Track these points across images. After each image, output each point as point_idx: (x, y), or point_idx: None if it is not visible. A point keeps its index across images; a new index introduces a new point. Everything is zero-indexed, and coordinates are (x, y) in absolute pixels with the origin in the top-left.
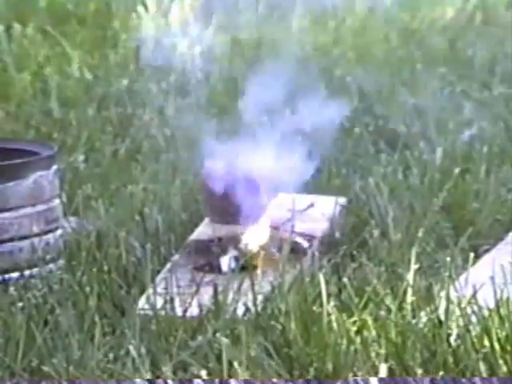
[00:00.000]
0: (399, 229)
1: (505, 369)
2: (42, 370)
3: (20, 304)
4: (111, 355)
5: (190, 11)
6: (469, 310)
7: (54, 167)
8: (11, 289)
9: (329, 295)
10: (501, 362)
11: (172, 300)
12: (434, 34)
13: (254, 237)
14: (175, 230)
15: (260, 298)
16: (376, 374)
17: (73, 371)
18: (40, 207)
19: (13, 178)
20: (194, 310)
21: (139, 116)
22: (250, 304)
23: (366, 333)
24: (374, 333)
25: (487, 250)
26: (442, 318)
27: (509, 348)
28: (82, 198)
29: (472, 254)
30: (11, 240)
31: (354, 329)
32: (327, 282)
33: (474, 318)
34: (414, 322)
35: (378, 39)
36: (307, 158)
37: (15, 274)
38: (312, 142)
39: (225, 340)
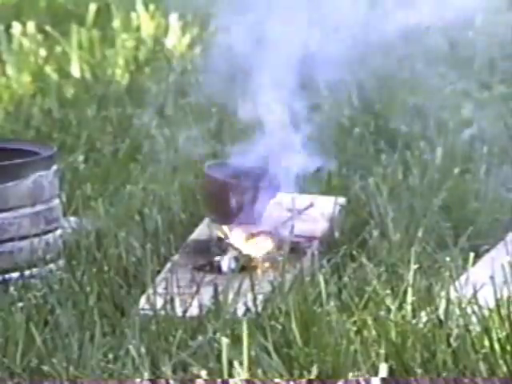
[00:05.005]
0: (399, 229)
1: (505, 369)
2: (42, 369)
3: (20, 304)
4: (111, 355)
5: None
6: (469, 310)
7: (54, 167)
8: (11, 289)
9: (329, 295)
10: (501, 362)
11: (172, 300)
12: (434, 34)
13: (253, 238)
14: (175, 230)
15: (260, 298)
16: (376, 374)
17: (73, 371)
18: (40, 207)
19: (13, 178)
20: (193, 310)
21: (139, 116)
22: (250, 304)
23: (366, 333)
24: (374, 333)
25: (487, 250)
26: (442, 317)
27: (509, 348)
28: (81, 198)
29: (472, 254)
30: (11, 240)
31: (354, 329)
32: (327, 282)
33: (474, 318)
34: (414, 321)
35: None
36: (308, 158)
37: (15, 274)
38: (312, 141)
39: (225, 340)
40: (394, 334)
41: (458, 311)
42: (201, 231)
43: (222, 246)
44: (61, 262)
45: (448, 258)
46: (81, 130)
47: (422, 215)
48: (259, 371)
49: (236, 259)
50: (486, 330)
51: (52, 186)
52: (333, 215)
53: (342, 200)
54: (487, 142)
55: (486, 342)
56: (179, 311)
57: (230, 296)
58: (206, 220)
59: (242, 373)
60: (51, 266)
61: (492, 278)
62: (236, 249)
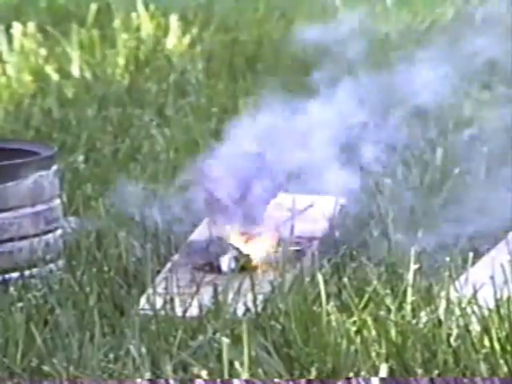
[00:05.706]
0: (399, 229)
1: (505, 369)
2: (42, 369)
3: (20, 304)
4: (111, 355)
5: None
6: (469, 310)
7: (54, 167)
8: (11, 289)
9: (329, 295)
10: (501, 361)
11: (172, 300)
12: (434, 34)
13: (253, 238)
14: (175, 230)
15: (260, 298)
16: (376, 374)
17: (73, 371)
18: (40, 207)
19: (13, 178)
20: (193, 310)
21: (139, 116)
22: (250, 304)
23: (365, 333)
24: (374, 333)
25: (487, 250)
26: (442, 317)
27: (509, 348)
28: (82, 198)
29: (472, 254)
30: (11, 240)
31: (354, 329)
32: (327, 282)
33: (474, 318)
34: (413, 321)
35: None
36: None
37: (15, 274)
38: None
39: (225, 340)
40: (394, 334)
41: (458, 311)
42: (201, 231)
43: (222, 245)
44: (61, 262)
45: (448, 258)
46: (81, 130)
47: (422, 215)
48: (259, 371)
49: (236, 259)
50: (486, 330)
51: (52, 186)
52: (333, 215)
53: (342, 200)
54: (487, 142)
55: (486, 342)
56: (179, 311)
57: (230, 296)
58: (206, 220)
59: (242, 373)
60: (51, 265)
61: (492, 277)
62: (236, 249)
